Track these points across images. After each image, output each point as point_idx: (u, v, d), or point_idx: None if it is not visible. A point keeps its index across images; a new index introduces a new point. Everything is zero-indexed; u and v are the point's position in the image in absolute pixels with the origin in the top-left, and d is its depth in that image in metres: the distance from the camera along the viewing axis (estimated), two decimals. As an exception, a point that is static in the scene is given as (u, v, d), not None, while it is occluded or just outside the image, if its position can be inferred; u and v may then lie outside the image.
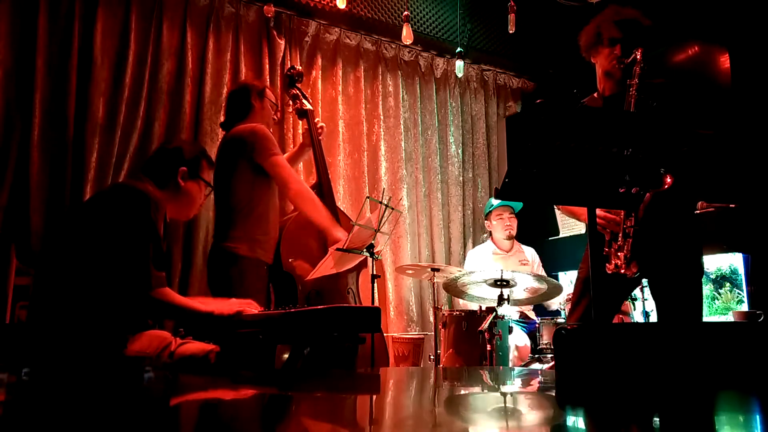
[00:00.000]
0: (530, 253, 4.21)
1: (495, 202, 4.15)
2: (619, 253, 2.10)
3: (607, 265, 2.14)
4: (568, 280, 4.29)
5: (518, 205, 4.10)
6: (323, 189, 3.14)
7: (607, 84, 2.34)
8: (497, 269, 3.12)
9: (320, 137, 3.22)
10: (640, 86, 2.15)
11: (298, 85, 3.31)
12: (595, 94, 2.41)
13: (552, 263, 4.45)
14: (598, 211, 2.17)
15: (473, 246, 4.75)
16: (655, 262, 2.19)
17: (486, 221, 4.26)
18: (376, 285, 2.99)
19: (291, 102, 3.33)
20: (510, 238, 4.10)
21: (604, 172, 1.56)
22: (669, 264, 2.20)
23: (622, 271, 2.08)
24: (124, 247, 1.93)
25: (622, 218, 2.12)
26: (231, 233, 2.68)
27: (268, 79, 3.99)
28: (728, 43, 3.73)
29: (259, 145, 2.69)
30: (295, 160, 3.24)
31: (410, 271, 3.88)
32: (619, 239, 2.11)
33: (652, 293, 2.37)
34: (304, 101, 3.25)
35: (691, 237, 2.25)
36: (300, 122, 3.94)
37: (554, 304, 3.84)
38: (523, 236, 4.27)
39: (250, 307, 2.16)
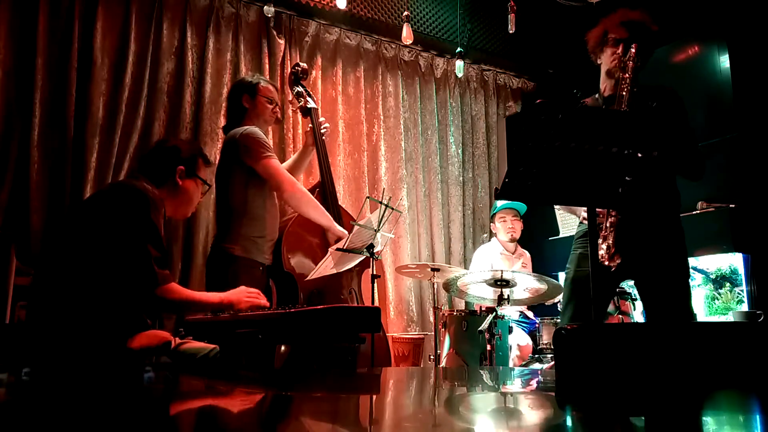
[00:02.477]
0: (527, 256, 4.22)
1: (500, 203, 4.15)
2: (602, 245, 2.11)
3: None
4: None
5: (523, 208, 4.10)
6: (326, 188, 3.13)
7: (608, 84, 2.35)
8: (497, 269, 3.12)
9: (324, 136, 3.21)
10: (634, 82, 2.15)
11: (303, 83, 3.30)
12: (597, 95, 2.41)
13: (552, 263, 4.45)
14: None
15: (473, 246, 4.75)
16: (640, 262, 2.19)
17: (491, 223, 4.26)
18: (376, 285, 2.99)
19: (295, 99, 3.32)
20: (513, 240, 4.10)
21: (604, 172, 1.56)
22: (655, 265, 2.20)
23: (606, 262, 2.09)
24: (124, 247, 1.93)
25: (606, 210, 2.13)
26: (228, 234, 2.70)
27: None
28: (728, 42, 3.73)
29: (250, 148, 2.69)
30: (301, 161, 3.23)
31: (410, 271, 3.88)
32: (604, 230, 2.12)
33: (639, 294, 2.37)
34: (308, 99, 3.24)
35: (676, 237, 2.26)
36: (301, 121, 3.95)
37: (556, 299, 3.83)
38: (523, 237, 4.27)
39: (259, 297, 2.17)
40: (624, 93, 2.14)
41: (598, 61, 2.39)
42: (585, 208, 2.22)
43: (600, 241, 2.12)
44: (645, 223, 2.19)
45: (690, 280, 2.27)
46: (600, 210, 2.14)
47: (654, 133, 1.56)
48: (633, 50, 2.16)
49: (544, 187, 1.59)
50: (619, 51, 2.23)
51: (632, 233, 2.11)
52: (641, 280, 2.31)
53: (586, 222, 2.23)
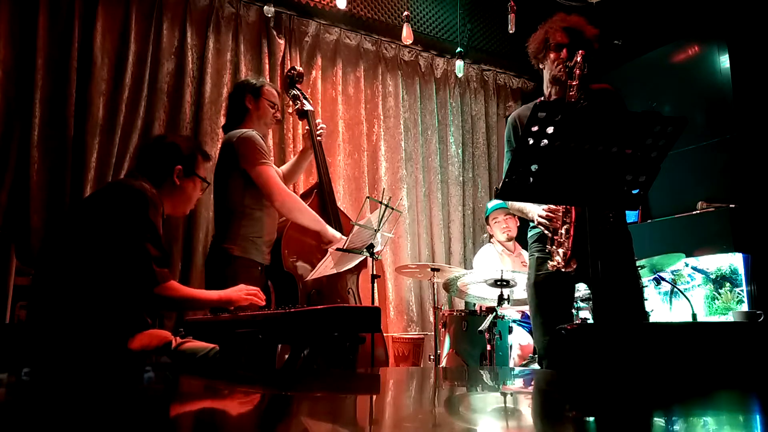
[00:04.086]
0: (527, 256, 4.22)
1: (490, 205, 4.16)
2: (559, 250, 2.12)
3: (548, 262, 2.17)
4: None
5: None
6: (324, 190, 3.14)
7: (553, 89, 2.39)
8: (498, 269, 3.12)
9: (320, 138, 3.22)
10: (581, 88, 2.17)
11: (299, 86, 3.31)
12: (540, 99, 2.42)
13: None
14: (542, 210, 2.21)
15: (473, 246, 4.75)
16: (592, 266, 2.20)
17: (486, 225, 4.26)
18: (376, 285, 2.99)
19: (291, 103, 3.33)
20: (510, 239, 4.09)
21: (603, 171, 1.56)
22: (606, 267, 2.21)
23: (563, 269, 2.11)
24: (123, 246, 1.93)
25: (560, 215, 2.14)
26: (227, 234, 2.71)
27: (268, 79, 3.98)
28: (727, 41, 3.73)
29: (246, 153, 2.70)
30: (299, 164, 3.23)
31: (410, 271, 3.88)
32: (560, 236, 2.13)
33: (592, 297, 2.38)
34: (304, 102, 3.25)
35: (625, 238, 2.29)
36: (300, 123, 3.95)
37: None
38: (522, 236, 4.27)
39: (258, 294, 2.18)
40: (572, 100, 2.15)
41: (540, 66, 2.42)
42: (537, 213, 2.25)
43: (555, 246, 2.14)
44: (596, 227, 2.19)
45: (640, 281, 2.29)
46: (554, 215, 2.17)
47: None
48: (579, 58, 2.19)
49: (544, 187, 1.59)
50: (562, 55, 2.26)
51: (586, 238, 2.11)
52: (594, 283, 2.32)
53: (539, 227, 2.28)
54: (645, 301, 2.32)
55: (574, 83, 2.18)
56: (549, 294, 2.29)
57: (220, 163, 2.82)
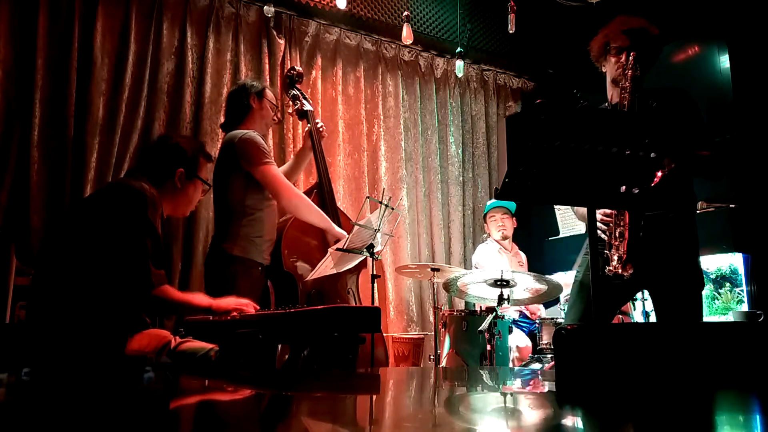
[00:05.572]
0: (523, 256, 4.23)
1: (489, 203, 4.17)
2: (614, 255, 2.10)
3: (606, 267, 2.14)
4: (568, 280, 4.29)
5: (513, 206, 4.10)
6: (324, 190, 3.14)
7: (614, 92, 2.34)
8: (498, 269, 3.11)
9: (324, 135, 3.23)
10: (637, 91, 2.14)
11: (298, 86, 3.31)
12: (606, 104, 2.41)
13: (552, 263, 4.45)
14: (600, 212, 2.17)
15: (473, 246, 4.75)
16: (654, 273, 2.18)
17: (484, 223, 4.27)
18: (376, 285, 2.99)
19: (291, 103, 3.33)
20: (505, 238, 4.10)
21: (604, 172, 1.56)
22: (669, 276, 2.18)
23: (619, 271, 2.08)
24: (122, 246, 1.93)
25: (613, 218, 2.12)
26: (227, 234, 2.71)
27: (268, 79, 3.99)
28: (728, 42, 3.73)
29: (249, 154, 2.70)
30: (299, 163, 3.24)
31: (410, 271, 3.88)
32: (615, 240, 2.11)
33: (654, 305, 2.35)
34: (304, 102, 3.26)
35: (691, 246, 2.23)
36: (300, 123, 3.95)
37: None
38: (522, 236, 4.27)
39: (248, 307, 2.17)
40: (625, 102, 2.14)
41: (603, 69, 2.39)
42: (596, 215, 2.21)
43: (612, 251, 2.11)
44: (658, 230, 2.16)
45: (703, 290, 2.25)
46: (608, 219, 2.13)
47: (652, 133, 1.55)
48: (631, 59, 2.17)
49: (544, 187, 1.59)
50: (623, 60, 2.23)
51: (645, 241, 2.09)
52: (656, 290, 2.29)
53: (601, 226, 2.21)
54: (702, 306, 2.26)
55: (626, 84, 2.15)
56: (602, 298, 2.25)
57: (221, 163, 2.82)
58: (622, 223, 2.09)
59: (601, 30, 2.36)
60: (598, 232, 2.21)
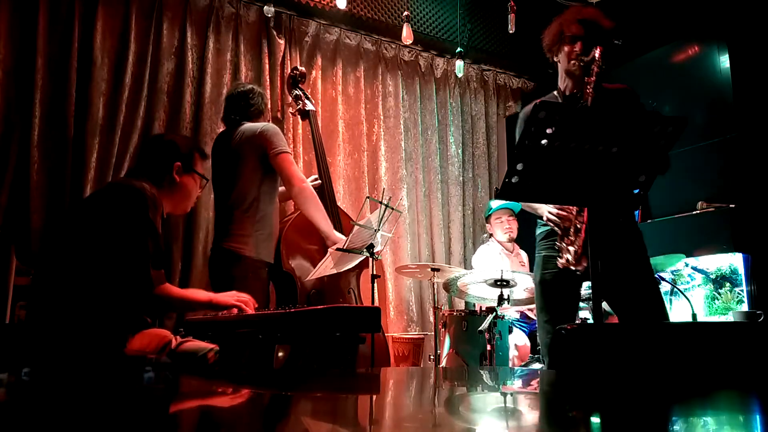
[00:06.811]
0: (524, 256, 4.22)
1: (494, 204, 4.16)
2: (570, 248, 2.11)
3: (558, 259, 2.16)
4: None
5: (517, 207, 4.10)
6: (325, 189, 3.15)
7: (568, 82, 2.35)
8: (498, 269, 3.12)
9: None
10: (598, 87, 2.14)
11: (301, 86, 3.32)
12: (555, 92, 2.41)
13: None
14: (553, 207, 2.19)
15: (473, 246, 4.75)
16: (607, 266, 2.19)
17: (487, 224, 4.27)
18: (376, 285, 2.99)
19: (294, 103, 3.34)
20: (511, 240, 4.10)
21: (603, 172, 1.56)
22: (622, 268, 2.18)
23: (572, 267, 2.09)
24: (122, 246, 1.93)
25: (574, 214, 2.13)
26: (234, 232, 2.70)
27: (268, 79, 3.99)
28: (727, 41, 3.72)
29: (276, 139, 2.78)
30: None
31: (410, 271, 3.88)
32: (571, 234, 2.12)
33: (607, 298, 2.33)
34: (306, 102, 3.27)
35: (638, 237, 2.27)
36: (301, 123, 3.95)
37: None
38: (521, 236, 4.27)
39: (248, 302, 2.18)
40: (589, 97, 2.13)
41: (555, 59, 2.39)
42: (547, 210, 2.23)
43: (566, 245, 2.13)
44: (609, 226, 2.17)
45: (656, 277, 2.28)
46: (566, 214, 2.15)
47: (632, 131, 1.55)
48: (597, 54, 2.15)
49: (543, 187, 1.59)
50: (576, 48, 2.23)
51: (598, 236, 2.10)
52: (609, 283, 2.29)
53: (549, 224, 2.24)
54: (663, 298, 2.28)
55: (591, 80, 2.13)
56: (556, 292, 2.28)
57: (230, 155, 2.81)
58: (581, 219, 2.10)
59: (554, 19, 2.37)
60: (550, 225, 2.23)
